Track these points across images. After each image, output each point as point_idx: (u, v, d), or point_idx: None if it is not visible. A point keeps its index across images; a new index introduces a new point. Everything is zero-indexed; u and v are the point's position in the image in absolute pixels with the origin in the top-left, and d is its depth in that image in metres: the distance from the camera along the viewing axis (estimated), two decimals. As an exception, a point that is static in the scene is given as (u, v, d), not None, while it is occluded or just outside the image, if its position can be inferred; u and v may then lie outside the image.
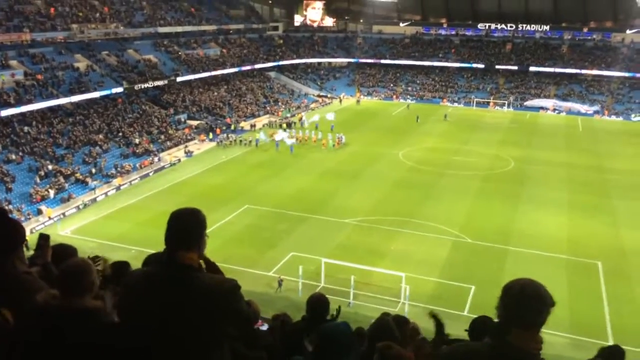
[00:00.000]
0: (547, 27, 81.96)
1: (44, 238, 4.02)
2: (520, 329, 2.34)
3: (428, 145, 52.59)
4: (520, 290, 2.36)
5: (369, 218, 33.72)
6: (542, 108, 71.72)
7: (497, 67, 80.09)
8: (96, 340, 2.68)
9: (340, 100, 75.44)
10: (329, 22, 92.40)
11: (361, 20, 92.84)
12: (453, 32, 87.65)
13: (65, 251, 4.53)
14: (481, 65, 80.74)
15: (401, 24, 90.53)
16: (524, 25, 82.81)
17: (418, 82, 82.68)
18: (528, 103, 73.61)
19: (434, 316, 5.76)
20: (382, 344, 4.16)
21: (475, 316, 4.92)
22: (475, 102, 74.13)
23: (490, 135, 56.65)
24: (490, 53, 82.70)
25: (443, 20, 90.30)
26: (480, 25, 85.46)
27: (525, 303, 2.31)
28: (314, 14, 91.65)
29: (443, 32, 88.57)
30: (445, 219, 33.42)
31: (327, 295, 5.10)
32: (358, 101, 76.24)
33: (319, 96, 77.29)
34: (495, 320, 2.48)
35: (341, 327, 3.47)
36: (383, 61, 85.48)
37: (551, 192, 38.83)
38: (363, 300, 24.06)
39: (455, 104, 75.05)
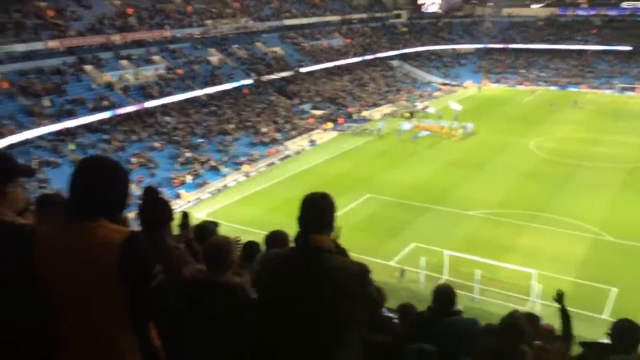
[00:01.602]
0: None
1: (185, 216, 4.31)
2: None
3: (563, 134, 48.93)
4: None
5: (496, 211, 32.18)
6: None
7: (646, 49, 72.20)
8: (235, 313, 2.86)
9: (480, 88, 72.65)
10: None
11: (489, 4, 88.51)
12: (593, 12, 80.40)
13: (207, 228, 4.80)
14: (626, 48, 73.20)
15: (533, 6, 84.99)
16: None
17: (552, 67, 77.13)
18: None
19: (559, 296, 5.40)
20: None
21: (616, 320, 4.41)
22: (618, 88, 67.51)
23: (636, 124, 51.24)
24: (637, 34, 74.70)
25: (582, 0, 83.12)
26: (625, 4, 77.49)
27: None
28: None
29: (582, 12, 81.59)
30: (582, 214, 30.89)
31: (450, 289, 4.91)
32: (480, 88, 73.03)
33: (442, 84, 75.15)
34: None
35: (469, 322, 3.36)
36: (513, 46, 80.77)
37: None
38: (489, 296, 23.06)
39: (595, 90, 68.97)
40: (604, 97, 65.91)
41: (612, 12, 79.27)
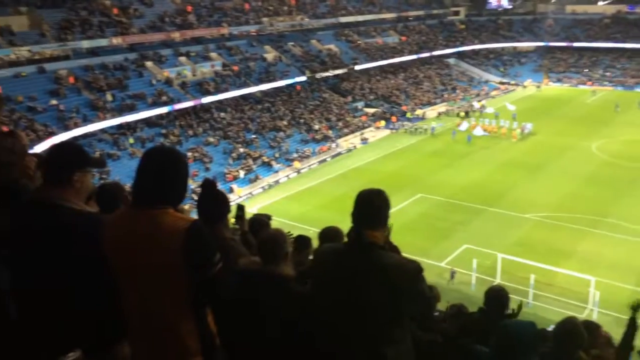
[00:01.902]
0: None
1: (241, 209, 4.39)
2: None
3: (629, 137, 46.63)
4: None
5: (554, 214, 31.10)
6: None
7: None
8: (287, 304, 2.90)
9: (539, 87, 70.56)
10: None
11: (552, 1, 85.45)
12: (666, 9, 76.28)
13: (261, 221, 4.88)
14: (702, 46, 69.06)
15: (600, 3, 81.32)
16: None
17: (619, 66, 73.63)
18: None
19: (635, 307, 5.18)
20: None
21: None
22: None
23: None
24: None
25: (653, -4, 79.08)
26: (701, -1, 73.14)
27: None
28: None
29: (653, 9, 77.53)
30: (646, 220, 29.43)
31: (503, 292, 4.80)
32: (539, 87, 70.66)
33: (500, 83, 73.19)
34: None
35: (527, 325, 3.29)
36: (576, 44, 77.60)
37: None
38: (544, 302, 22.33)
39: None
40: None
41: (686, 9, 74.95)
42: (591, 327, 5.65)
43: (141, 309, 2.43)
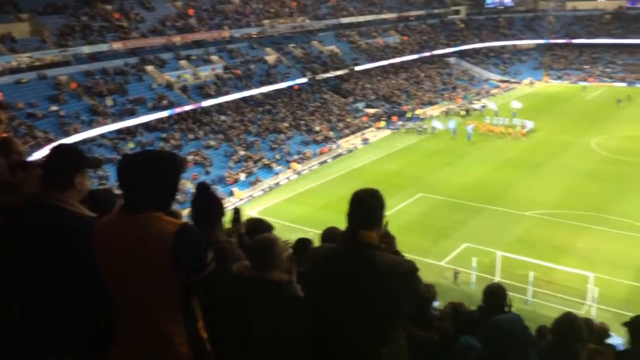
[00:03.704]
0: None
1: (237, 211, 4.44)
2: None
3: (629, 133, 46.62)
4: None
5: (553, 212, 31.15)
6: None
7: None
8: (280, 309, 2.88)
9: (532, 84, 70.70)
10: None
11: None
12: (666, 4, 76.15)
13: (260, 225, 4.83)
14: (703, 41, 68.90)
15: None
16: None
17: (619, 63, 73.45)
18: None
19: None
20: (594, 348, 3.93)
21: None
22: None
23: None
24: None
25: (654, -9, 78.94)
26: (702, -6, 72.98)
27: None
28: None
29: (653, 4, 77.40)
30: (644, 216, 29.47)
31: (503, 290, 4.91)
32: (532, 83, 70.72)
33: (501, 81, 73.15)
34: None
35: (515, 319, 3.38)
36: (576, 41, 77.43)
37: None
38: (543, 299, 22.40)
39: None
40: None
41: (687, 4, 74.81)
42: (588, 323, 5.75)
43: (131, 313, 2.44)
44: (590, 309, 21.15)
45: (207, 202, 3.39)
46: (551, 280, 23.59)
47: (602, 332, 7.11)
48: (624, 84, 67.64)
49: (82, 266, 2.51)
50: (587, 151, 42.53)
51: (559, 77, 73.45)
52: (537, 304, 21.92)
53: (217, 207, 3.42)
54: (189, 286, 2.43)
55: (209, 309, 2.65)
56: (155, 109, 42.68)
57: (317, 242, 4.98)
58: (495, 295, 4.72)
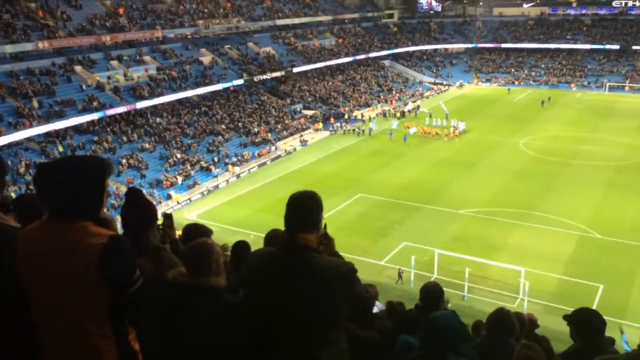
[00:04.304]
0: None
1: (168, 217, 4.27)
2: None
3: (553, 133, 49.30)
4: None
5: (486, 209, 32.41)
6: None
7: (635, 47, 72.80)
8: (216, 316, 2.78)
9: (461, 86, 73.42)
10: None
11: (480, 3, 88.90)
12: (584, 11, 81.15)
13: (197, 230, 4.68)
14: (616, 47, 73.91)
15: (524, 5, 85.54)
16: (669, 0, 74.62)
17: (543, 66, 77.65)
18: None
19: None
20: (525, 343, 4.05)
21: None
22: (607, 87, 68.08)
23: (624, 123, 51.75)
24: (626, 32, 75.49)
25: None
26: (615, 3, 78.29)
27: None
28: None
29: (572, 11, 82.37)
30: (570, 212, 31.19)
31: (440, 288, 5.00)
32: (461, 86, 73.58)
33: (434, 83, 75.46)
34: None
35: (450, 315, 3.44)
36: (503, 45, 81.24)
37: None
38: (478, 294, 23.24)
39: (585, 89, 69.51)
40: (593, 95, 66.40)
41: (602, 11, 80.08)
42: (520, 318, 5.98)
43: (57, 327, 2.33)
44: (523, 303, 22.10)
45: (138, 208, 3.25)
46: (486, 276, 24.51)
47: (532, 323, 7.49)
48: (546, 87, 71.45)
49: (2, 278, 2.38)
50: (515, 151, 44.54)
51: (488, 80, 76.66)
52: (473, 299, 22.71)
53: (148, 213, 3.28)
54: (118, 299, 2.33)
55: (142, 318, 2.54)
56: (86, 110, 40.94)
57: (257, 245, 4.91)
58: (431, 293, 4.80)
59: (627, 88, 67.55)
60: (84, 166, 2.39)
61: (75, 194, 2.31)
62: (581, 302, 21.49)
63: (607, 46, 74.63)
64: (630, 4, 77.22)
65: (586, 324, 3.88)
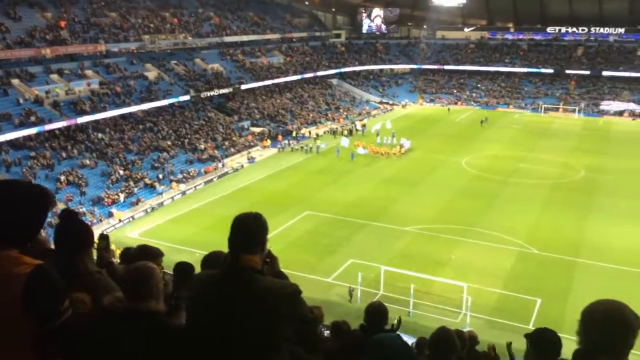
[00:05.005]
0: (622, 30, 78.07)
1: (104, 238, 4.11)
2: (606, 355, 2.19)
3: (493, 152, 51.18)
4: (603, 314, 2.21)
5: (430, 226, 33.14)
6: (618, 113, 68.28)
7: (568, 71, 77.02)
8: (157, 342, 2.69)
9: (404, 106, 75.21)
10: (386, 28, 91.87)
11: (424, 26, 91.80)
12: (521, 36, 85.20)
13: (146, 251, 4.48)
14: (550, 70, 77.94)
15: (466, 29, 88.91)
16: (597, 29, 79.33)
17: (483, 88, 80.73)
18: (605, 106, 70.19)
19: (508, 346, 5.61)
20: None
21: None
22: (543, 109, 71.51)
23: (559, 143, 54.45)
24: (560, 57, 79.72)
25: (510, 25, 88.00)
26: (549, 29, 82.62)
27: (610, 328, 2.17)
28: (377, 21, 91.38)
29: (510, 36, 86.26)
30: (509, 228, 32.37)
31: (386, 304, 5.05)
32: (404, 106, 75.58)
33: (380, 103, 76.99)
34: (578, 346, 2.32)
35: (394, 338, 3.45)
36: (446, 67, 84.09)
37: (625, 202, 36.77)
38: (423, 310, 23.64)
39: (522, 110, 72.73)
40: (530, 117, 69.50)
41: (538, 37, 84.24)
42: (459, 334, 6.15)
43: None
44: (466, 317, 22.62)
45: (72, 230, 3.13)
46: (430, 292, 24.98)
47: (472, 340, 7.75)
48: (487, 108, 74.26)
49: None
50: (458, 169, 45.89)
51: (432, 100, 78.94)
52: (418, 315, 23.08)
53: (84, 235, 3.16)
54: (44, 332, 2.19)
55: (75, 350, 2.42)
56: (23, 125, 39.28)
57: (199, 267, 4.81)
58: (375, 313, 4.80)
59: (561, 110, 71.14)
60: (26, 194, 2.27)
61: (11, 221, 2.19)
62: (520, 316, 22.40)
63: (542, 70, 78.57)
64: (563, 30, 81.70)
65: (549, 345, 3.96)
